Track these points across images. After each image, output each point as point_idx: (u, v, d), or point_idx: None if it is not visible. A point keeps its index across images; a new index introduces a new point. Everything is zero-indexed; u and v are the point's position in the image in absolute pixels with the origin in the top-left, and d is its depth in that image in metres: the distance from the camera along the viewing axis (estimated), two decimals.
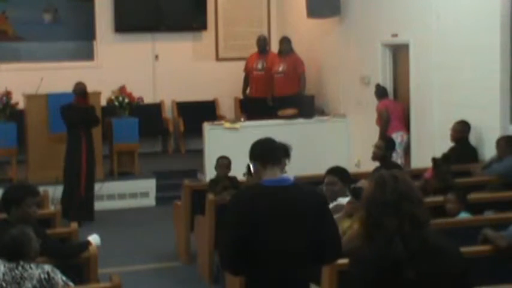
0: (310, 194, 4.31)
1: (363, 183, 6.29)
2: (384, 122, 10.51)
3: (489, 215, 6.78)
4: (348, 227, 5.65)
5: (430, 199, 7.33)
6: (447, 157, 8.25)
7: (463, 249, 5.49)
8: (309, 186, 4.50)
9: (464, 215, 6.65)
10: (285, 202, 4.20)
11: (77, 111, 10.25)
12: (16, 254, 4.75)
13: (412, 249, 3.10)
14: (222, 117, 13.10)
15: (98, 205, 10.96)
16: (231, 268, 4.34)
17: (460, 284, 3.27)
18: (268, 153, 4.33)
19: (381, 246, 3.13)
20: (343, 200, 6.08)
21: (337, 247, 4.34)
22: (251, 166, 4.40)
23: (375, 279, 3.12)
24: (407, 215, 3.13)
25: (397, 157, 10.01)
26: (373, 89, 11.28)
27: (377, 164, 8.36)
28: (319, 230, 4.19)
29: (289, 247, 4.17)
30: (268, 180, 4.26)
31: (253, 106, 13.03)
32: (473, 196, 7.10)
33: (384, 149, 8.27)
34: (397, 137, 10.20)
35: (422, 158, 10.10)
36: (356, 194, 5.72)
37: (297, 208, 4.20)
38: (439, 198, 7.08)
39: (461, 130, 9.10)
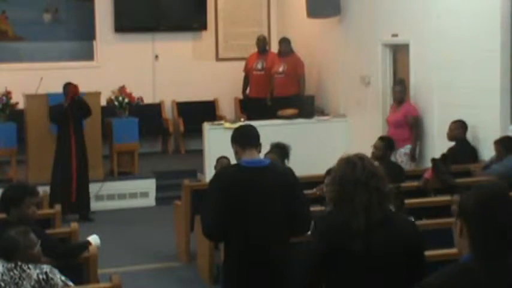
0: (283, 173, 4.92)
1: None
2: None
3: None
4: None
5: (431, 199, 7.34)
6: (446, 157, 8.26)
7: None
8: (282, 166, 5.11)
9: None
10: (261, 180, 4.75)
11: (65, 108, 10.24)
12: (14, 254, 4.75)
13: (374, 219, 3.49)
14: (222, 117, 13.09)
15: (98, 205, 10.97)
16: (210, 235, 4.96)
17: (414, 260, 3.54)
18: (247, 137, 4.91)
19: (346, 215, 3.51)
20: None
21: (306, 221, 4.87)
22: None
23: (337, 245, 3.49)
24: (375, 190, 3.54)
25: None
26: (373, 89, 11.28)
27: (377, 163, 8.36)
28: (290, 204, 4.70)
29: (265, 219, 4.71)
30: (246, 161, 4.83)
31: (253, 106, 13.03)
32: None
33: (383, 149, 8.28)
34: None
35: (422, 158, 10.11)
36: None
37: (272, 185, 4.75)
38: (442, 198, 7.09)
39: (457, 129, 9.11)
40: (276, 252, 4.79)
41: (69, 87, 10.25)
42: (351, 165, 3.62)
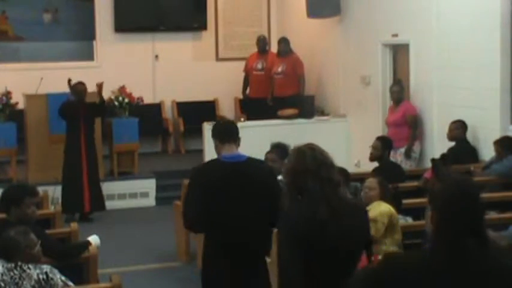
0: (260, 168, 5.15)
1: (369, 181, 6.31)
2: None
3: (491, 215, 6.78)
4: None
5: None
6: (445, 157, 8.25)
7: None
8: (259, 162, 5.25)
9: None
10: (238, 174, 4.97)
11: (78, 107, 10.25)
12: (14, 254, 4.75)
13: (333, 207, 3.68)
14: (222, 117, 13.08)
15: None
16: (191, 227, 5.25)
17: (367, 232, 3.93)
18: (226, 132, 5.13)
19: (308, 206, 3.68)
20: None
21: None
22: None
23: (304, 236, 3.63)
24: (326, 179, 3.73)
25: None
26: (373, 89, 11.28)
27: (376, 164, 8.36)
28: (267, 197, 4.88)
29: (243, 212, 4.90)
30: (225, 156, 5.05)
31: (253, 106, 13.03)
32: None
33: (381, 149, 8.25)
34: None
35: (422, 158, 10.11)
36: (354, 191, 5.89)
37: (249, 179, 4.97)
38: None
39: (456, 129, 9.11)
40: (255, 244, 4.99)
41: (80, 87, 10.33)
42: (301, 155, 3.81)
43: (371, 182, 6.33)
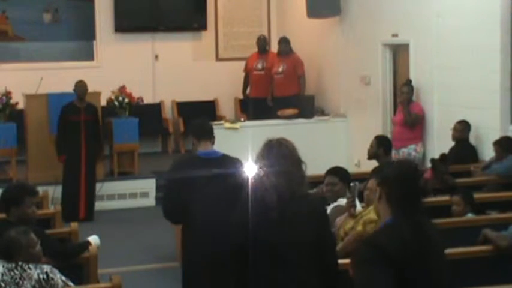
0: (234, 163, 5.48)
1: (370, 182, 6.22)
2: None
3: (491, 215, 6.79)
4: (350, 228, 5.63)
5: (432, 199, 7.33)
6: (445, 157, 8.25)
7: (463, 249, 5.49)
8: (233, 158, 5.56)
9: (470, 216, 6.64)
10: (214, 168, 5.38)
11: (79, 115, 10.33)
12: (16, 254, 4.75)
13: (282, 197, 3.97)
14: (222, 117, 13.09)
15: (98, 205, 10.95)
16: (170, 218, 5.67)
17: (321, 222, 4.08)
18: (202, 130, 5.64)
19: (261, 194, 4.02)
20: (343, 201, 6.07)
21: None
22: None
23: (254, 219, 4.00)
24: (284, 173, 4.03)
25: None
26: (373, 89, 11.28)
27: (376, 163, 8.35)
28: (238, 191, 4.91)
29: (216, 204, 5.23)
30: (201, 152, 5.55)
31: (253, 106, 13.03)
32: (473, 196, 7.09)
33: (375, 146, 8.19)
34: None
35: (422, 158, 10.11)
36: (352, 190, 5.82)
37: (223, 174, 5.33)
38: (441, 198, 7.09)
39: (463, 130, 9.10)
40: (226, 238, 5.07)
41: (82, 86, 10.38)
42: (267, 147, 4.14)
43: (371, 183, 6.21)
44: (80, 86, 10.45)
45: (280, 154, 4.07)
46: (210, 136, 5.65)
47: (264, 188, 4.03)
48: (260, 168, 4.12)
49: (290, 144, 4.16)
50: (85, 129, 10.42)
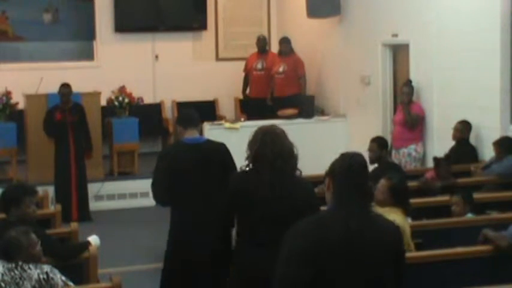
0: (217, 149, 5.93)
1: (381, 184, 6.10)
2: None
3: (491, 215, 6.79)
4: None
5: (433, 199, 7.33)
6: (448, 157, 8.26)
7: (463, 249, 5.49)
8: (217, 143, 6.01)
9: (470, 216, 6.64)
10: (199, 153, 5.83)
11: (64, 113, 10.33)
12: (16, 254, 4.75)
13: (274, 184, 4.54)
14: (222, 117, 13.09)
15: (98, 205, 10.96)
16: (159, 202, 6.07)
17: (309, 206, 4.46)
18: (188, 119, 6.05)
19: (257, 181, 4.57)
20: None
21: None
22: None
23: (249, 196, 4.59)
24: (278, 169, 4.59)
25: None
26: (373, 89, 11.28)
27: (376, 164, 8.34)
28: (223, 174, 5.53)
29: (203, 185, 5.73)
30: (187, 139, 5.94)
31: (253, 106, 13.03)
32: (473, 196, 7.09)
33: (377, 150, 8.17)
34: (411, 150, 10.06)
35: (422, 158, 10.10)
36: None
37: (207, 157, 5.83)
38: (442, 198, 7.08)
39: (463, 130, 9.09)
40: (212, 217, 5.33)
41: (66, 89, 10.39)
42: (262, 144, 4.63)
43: (382, 185, 6.01)
44: (63, 89, 10.48)
45: (273, 152, 4.56)
46: (196, 124, 6.06)
47: (259, 181, 4.47)
48: (252, 153, 4.55)
49: (280, 130, 4.73)
50: (72, 130, 10.46)
